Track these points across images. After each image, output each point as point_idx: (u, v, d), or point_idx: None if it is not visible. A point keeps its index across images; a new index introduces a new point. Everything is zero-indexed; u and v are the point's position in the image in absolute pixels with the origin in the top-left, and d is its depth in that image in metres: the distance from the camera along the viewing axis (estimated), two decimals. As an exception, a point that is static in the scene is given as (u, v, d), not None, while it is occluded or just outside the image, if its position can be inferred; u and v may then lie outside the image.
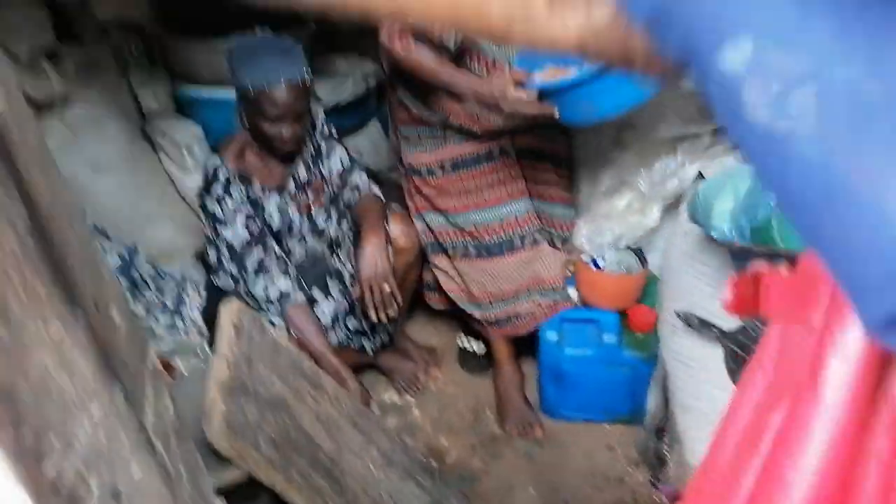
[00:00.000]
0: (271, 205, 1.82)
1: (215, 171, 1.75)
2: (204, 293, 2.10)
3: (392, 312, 1.77)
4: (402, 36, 1.61)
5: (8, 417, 0.43)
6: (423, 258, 2.02)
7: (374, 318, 1.75)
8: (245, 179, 1.77)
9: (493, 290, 1.86)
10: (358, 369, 2.09)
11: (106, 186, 2.29)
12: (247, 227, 1.75)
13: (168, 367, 1.85)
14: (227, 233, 1.74)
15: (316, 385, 1.52)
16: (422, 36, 1.59)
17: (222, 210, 1.73)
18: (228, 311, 1.42)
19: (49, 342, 0.50)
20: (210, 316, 1.98)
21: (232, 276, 1.80)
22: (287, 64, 1.66)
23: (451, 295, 1.96)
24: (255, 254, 1.76)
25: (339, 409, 1.53)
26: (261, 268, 1.77)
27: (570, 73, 1.44)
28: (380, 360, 2.08)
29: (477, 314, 1.91)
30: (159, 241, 2.38)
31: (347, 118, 2.87)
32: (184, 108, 2.60)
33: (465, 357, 2.13)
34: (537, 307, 1.84)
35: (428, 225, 1.94)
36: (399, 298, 1.79)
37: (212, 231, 1.77)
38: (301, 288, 1.85)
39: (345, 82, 2.86)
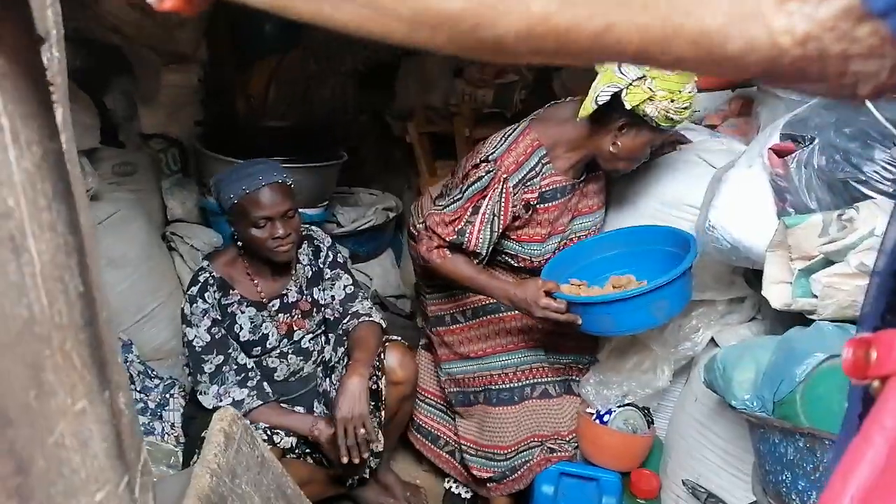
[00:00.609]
0: (244, 317, 1.83)
1: (197, 273, 1.80)
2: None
3: (366, 455, 1.71)
4: (440, 247, 1.72)
5: (18, 491, 0.40)
6: (415, 391, 1.98)
7: (344, 459, 1.69)
8: (225, 287, 1.81)
9: (501, 441, 1.81)
10: (332, 500, 1.98)
11: (117, 281, 2.31)
12: (209, 332, 1.75)
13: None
14: (189, 332, 1.75)
15: (297, 512, 1.43)
16: (456, 247, 1.70)
17: (191, 310, 1.75)
18: (221, 418, 1.37)
19: (72, 416, 0.48)
20: (189, 421, 1.93)
21: (189, 376, 1.80)
22: (266, 171, 1.74)
23: (463, 444, 1.90)
24: (214, 360, 1.75)
25: (317, 541, 1.42)
26: (217, 373, 1.75)
27: (592, 291, 1.68)
28: (357, 492, 1.97)
29: (476, 468, 1.85)
30: (155, 339, 2.37)
31: (364, 245, 2.96)
32: (208, 218, 2.69)
33: (451, 500, 2.02)
34: (537, 459, 1.77)
35: (451, 375, 1.94)
36: (375, 442, 1.75)
37: (181, 328, 1.79)
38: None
39: (366, 212, 2.98)
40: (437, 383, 2.01)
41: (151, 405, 2.13)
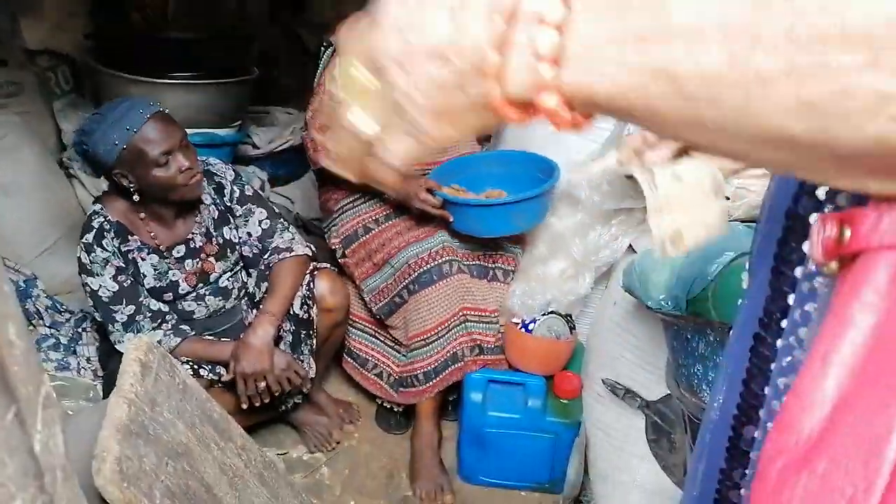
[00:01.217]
0: (146, 265, 1.71)
1: (90, 217, 1.65)
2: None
3: (266, 398, 1.71)
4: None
5: None
6: (347, 317, 1.98)
7: (244, 406, 1.68)
8: (123, 233, 1.67)
9: (429, 322, 1.82)
10: (266, 423, 1.98)
11: (11, 211, 2.15)
12: (115, 280, 1.64)
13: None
14: (93, 282, 1.63)
15: (223, 433, 1.41)
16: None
17: (90, 259, 1.62)
18: (136, 347, 1.31)
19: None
20: (106, 355, 1.86)
21: (99, 325, 1.70)
22: (140, 104, 1.58)
23: (395, 355, 1.95)
24: (125, 310, 1.66)
25: (245, 460, 1.42)
26: (131, 322, 1.67)
27: (468, 195, 1.91)
28: (290, 414, 1.98)
29: (405, 364, 1.87)
30: (62, 273, 2.24)
31: (282, 167, 2.85)
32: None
33: (383, 414, 2.05)
34: (469, 351, 1.81)
35: (374, 290, 1.95)
36: (305, 383, 1.78)
37: (79, 277, 1.67)
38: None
39: (282, 133, 2.86)
40: (364, 306, 2.00)
41: (64, 340, 2.04)
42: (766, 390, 0.56)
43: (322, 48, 2.05)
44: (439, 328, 1.81)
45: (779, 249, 0.55)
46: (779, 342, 0.55)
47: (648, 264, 1.34)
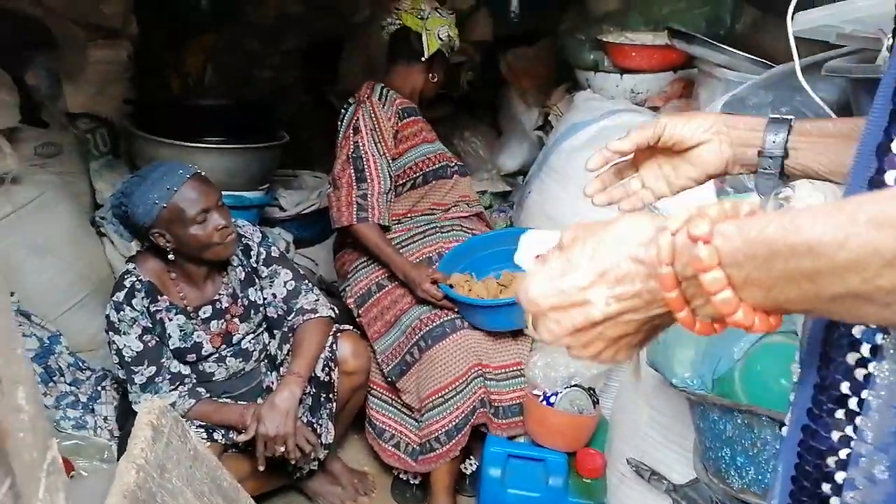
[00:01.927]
0: (172, 325, 1.73)
1: (123, 276, 1.68)
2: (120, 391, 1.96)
3: (308, 461, 1.72)
4: (349, 206, 1.97)
5: None
6: (367, 381, 1.95)
7: (261, 468, 1.65)
8: (153, 293, 1.69)
9: (444, 378, 1.79)
10: (279, 490, 1.93)
11: (42, 268, 2.19)
12: (140, 340, 1.65)
13: (66, 465, 1.67)
14: (118, 340, 1.64)
15: (233, 505, 1.37)
16: (363, 211, 1.97)
17: (118, 317, 1.64)
18: (148, 411, 1.30)
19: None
20: (124, 415, 1.84)
21: (120, 383, 1.69)
22: (179, 167, 1.64)
23: (408, 422, 1.92)
24: (145, 371, 1.66)
25: (254, 535, 1.37)
26: (149, 384, 1.66)
27: (475, 285, 1.91)
28: (304, 481, 1.93)
29: (418, 432, 1.82)
30: (87, 330, 2.25)
31: (308, 230, 2.89)
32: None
33: (399, 486, 1.99)
34: (479, 408, 1.78)
35: (385, 350, 1.95)
36: (318, 451, 1.76)
37: (106, 335, 1.68)
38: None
39: (309, 196, 2.91)
40: (380, 370, 1.98)
41: (83, 398, 2.03)
42: (825, 487, 0.52)
43: (343, 109, 2.11)
44: (456, 383, 1.78)
45: (825, 335, 0.53)
46: (833, 434, 0.51)
47: (674, 339, 1.30)
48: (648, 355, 1.40)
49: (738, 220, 0.45)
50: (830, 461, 0.51)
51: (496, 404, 1.82)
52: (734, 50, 1.81)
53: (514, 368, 1.85)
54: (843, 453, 0.50)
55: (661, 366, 1.31)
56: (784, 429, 0.60)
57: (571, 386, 1.76)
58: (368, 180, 1.98)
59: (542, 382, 1.77)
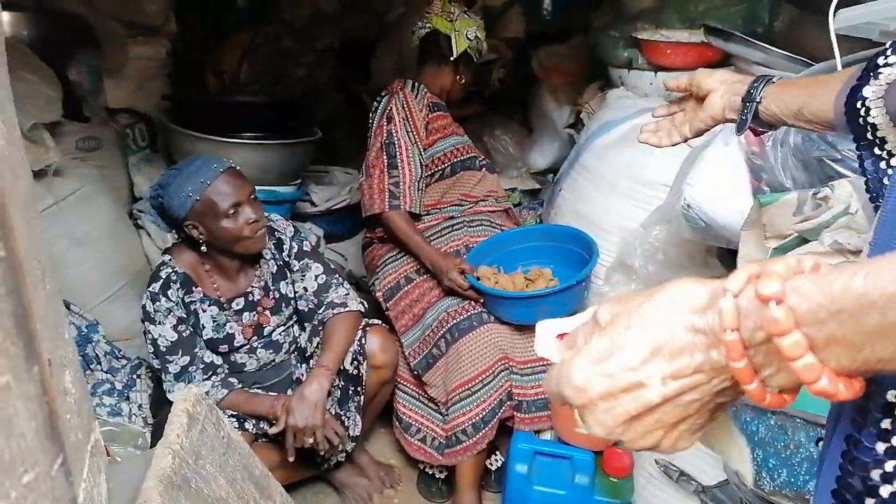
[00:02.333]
0: (206, 316, 1.76)
1: (159, 268, 1.72)
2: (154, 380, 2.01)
3: (335, 453, 1.74)
4: (381, 193, 2.02)
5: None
6: (395, 375, 1.96)
7: (291, 458, 1.67)
8: (188, 284, 1.73)
9: (472, 370, 1.80)
10: (307, 481, 1.96)
11: (81, 259, 2.25)
12: (175, 329, 1.68)
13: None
14: (154, 330, 1.68)
15: (263, 491, 1.40)
16: (395, 199, 2.01)
17: (154, 308, 1.68)
18: (185, 398, 1.33)
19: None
20: (157, 403, 1.89)
21: (154, 372, 1.73)
22: (214, 160, 1.67)
23: (434, 415, 1.92)
24: (179, 361, 1.69)
25: (284, 523, 1.40)
26: (183, 373, 1.70)
27: (501, 277, 1.94)
28: (331, 473, 1.95)
29: (445, 425, 1.84)
30: (123, 319, 2.31)
31: (338, 225, 2.92)
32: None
33: (425, 480, 2.01)
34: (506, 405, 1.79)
35: (412, 343, 1.96)
36: (345, 443, 1.79)
37: (142, 324, 1.72)
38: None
39: (341, 191, 2.94)
40: (407, 365, 1.99)
41: (119, 386, 2.09)
42: (868, 502, 0.50)
43: (376, 101, 2.15)
44: (483, 376, 1.79)
45: None
46: (879, 445, 0.49)
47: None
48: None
49: (810, 276, 0.41)
50: (875, 474, 0.49)
51: (520, 398, 1.82)
52: (772, 48, 1.79)
53: (540, 364, 1.85)
54: (889, 465, 0.48)
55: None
56: (821, 442, 0.58)
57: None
58: (400, 168, 2.02)
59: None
